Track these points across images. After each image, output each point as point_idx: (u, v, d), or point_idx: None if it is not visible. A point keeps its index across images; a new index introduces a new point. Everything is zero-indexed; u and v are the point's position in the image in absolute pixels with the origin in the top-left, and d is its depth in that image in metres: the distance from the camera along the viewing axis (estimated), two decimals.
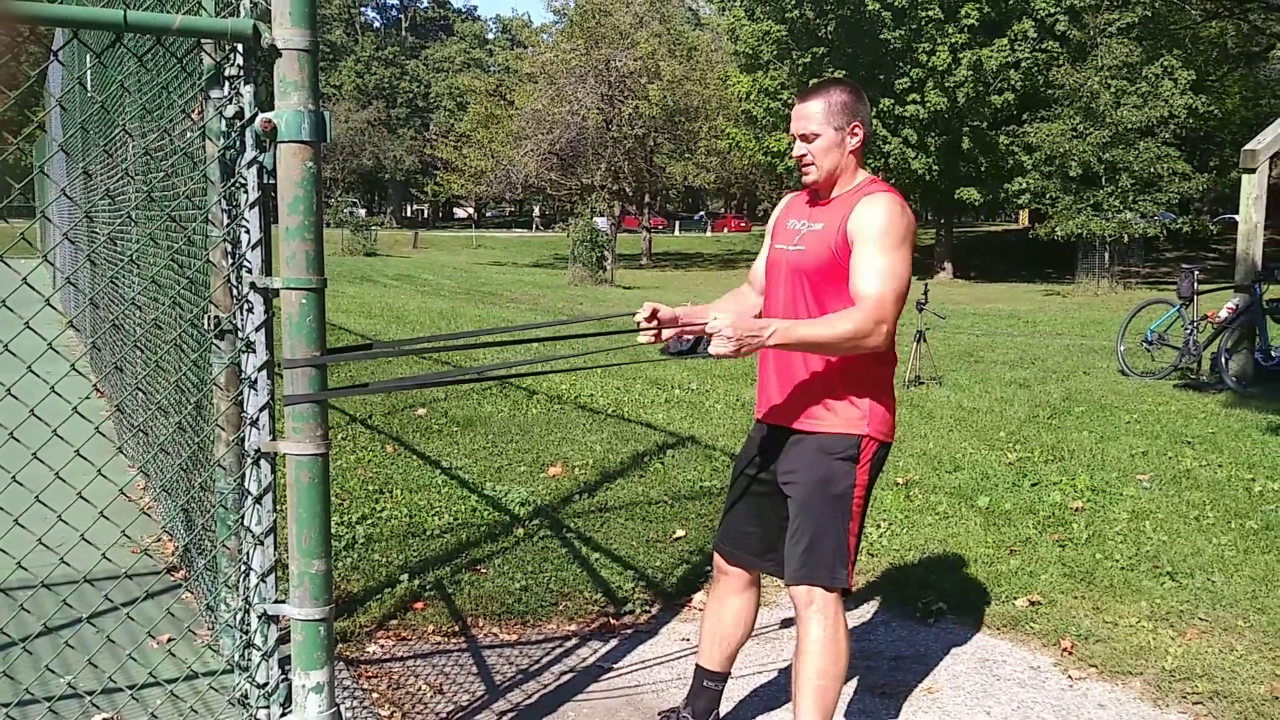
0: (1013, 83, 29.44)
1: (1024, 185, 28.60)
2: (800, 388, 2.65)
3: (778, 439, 2.73)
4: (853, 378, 2.61)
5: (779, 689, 3.29)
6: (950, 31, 29.29)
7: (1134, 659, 3.47)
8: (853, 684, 3.30)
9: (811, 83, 2.82)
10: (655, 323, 2.63)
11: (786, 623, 3.83)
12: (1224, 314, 9.26)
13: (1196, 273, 9.72)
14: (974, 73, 28.98)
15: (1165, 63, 26.44)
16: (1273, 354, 9.12)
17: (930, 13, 29.24)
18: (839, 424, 2.60)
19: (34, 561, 2.66)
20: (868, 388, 2.62)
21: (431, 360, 8.97)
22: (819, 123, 2.59)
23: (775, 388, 2.72)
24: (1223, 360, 9.07)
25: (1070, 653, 3.54)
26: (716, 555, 2.92)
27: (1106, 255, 25.89)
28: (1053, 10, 28.66)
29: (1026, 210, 41.00)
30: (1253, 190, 9.19)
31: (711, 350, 2.39)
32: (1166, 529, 4.81)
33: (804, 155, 2.63)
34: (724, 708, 3.02)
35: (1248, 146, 9.29)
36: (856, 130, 2.61)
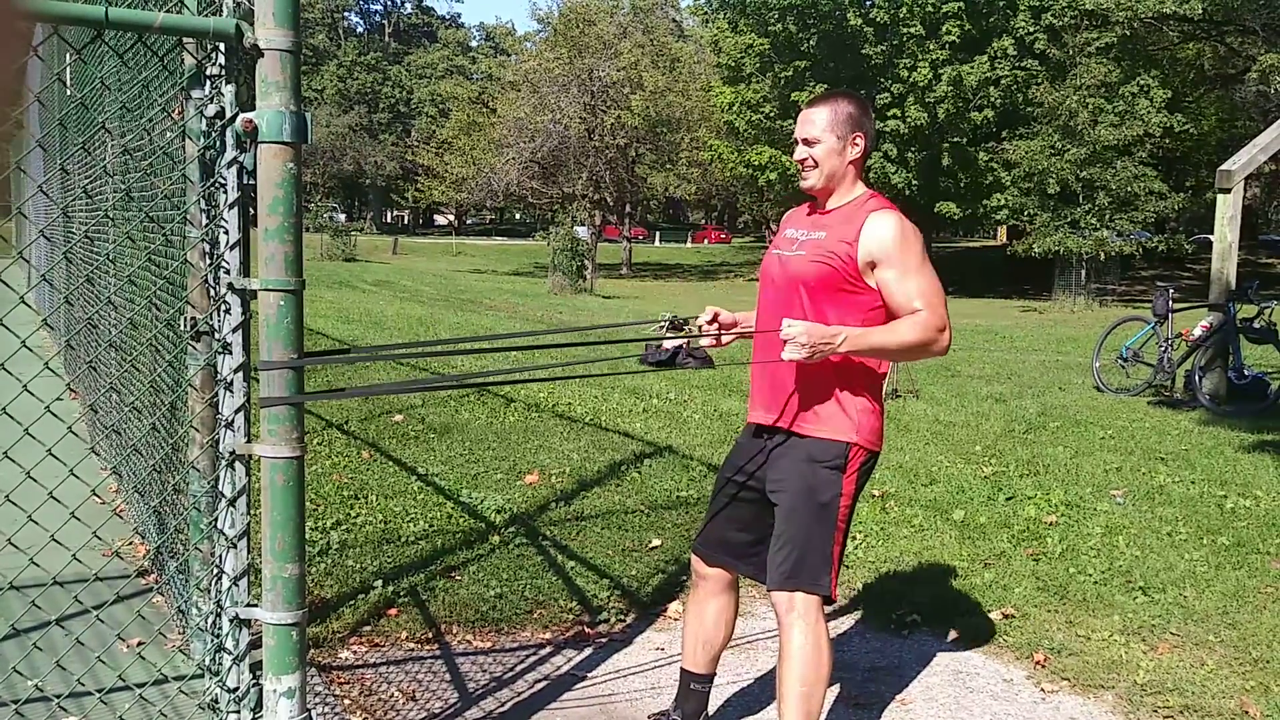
0: (992, 100, 29.70)
1: (1002, 202, 28.83)
2: (792, 394, 2.68)
3: (766, 445, 2.74)
4: (844, 385, 2.63)
5: (758, 697, 3.29)
6: (931, 48, 29.53)
7: (1106, 673, 3.48)
8: (827, 695, 3.30)
9: (818, 91, 2.91)
10: (717, 326, 2.78)
11: (765, 632, 3.83)
12: (1198, 332, 9.33)
13: (1171, 291, 9.80)
14: (954, 89, 29.22)
15: (1142, 81, 26.73)
16: (1246, 372, 9.19)
17: (912, 29, 29.49)
18: (828, 430, 2.63)
19: (3, 563, 2.63)
20: (858, 396, 2.64)
21: (409, 366, 8.93)
22: (822, 129, 2.65)
23: (767, 393, 2.74)
24: (1196, 378, 9.14)
25: (1043, 666, 3.55)
26: (695, 559, 2.93)
27: (1083, 272, 26.11)
28: (1032, 29, 28.95)
29: (1004, 227, 41.33)
30: (1227, 210, 9.28)
31: (785, 355, 2.48)
32: (1139, 544, 4.84)
33: (805, 158, 2.69)
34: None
35: (1223, 167, 9.37)
36: (857, 141, 2.66)
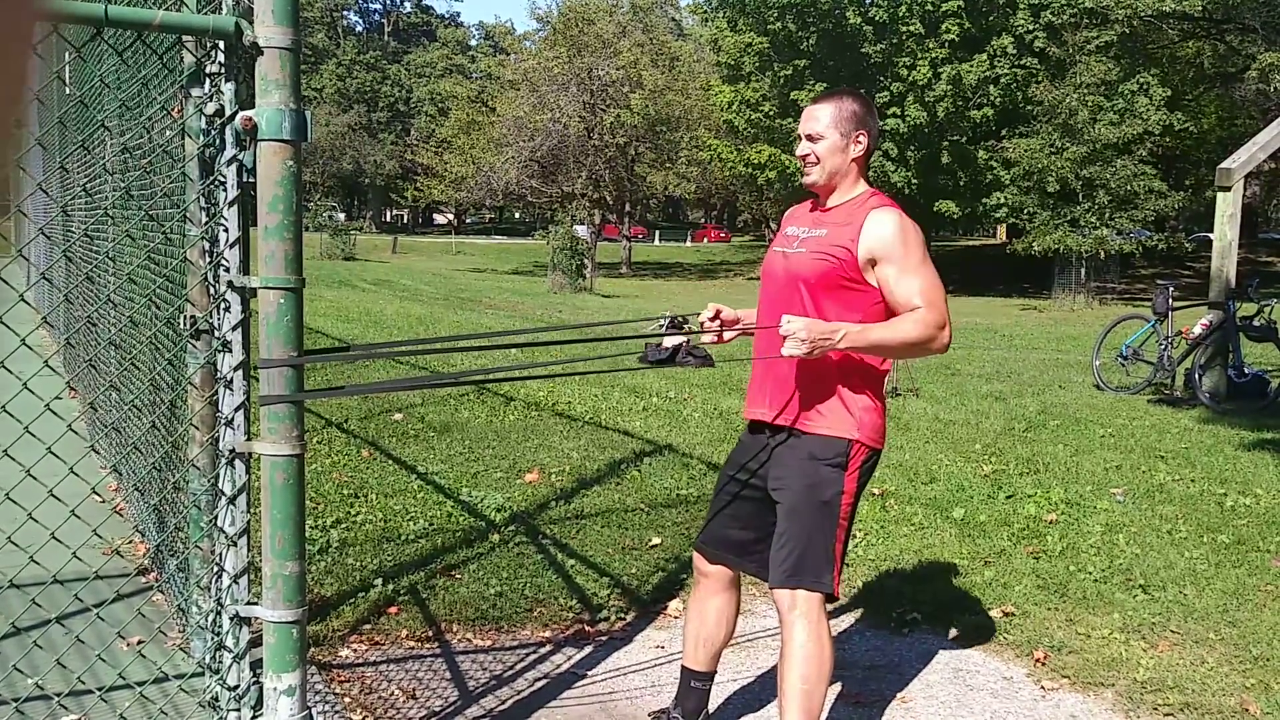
0: (992, 98, 29.68)
1: (1002, 200, 28.83)
2: (793, 391, 2.67)
3: (768, 443, 2.74)
4: (845, 383, 2.63)
5: (759, 695, 3.29)
6: (930, 46, 29.51)
7: (1106, 670, 3.48)
8: (828, 693, 3.30)
9: (817, 89, 2.92)
10: (719, 323, 2.76)
11: (766, 630, 3.83)
12: (1198, 330, 9.33)
13: (1171, 289, 9.80)
14: (953, 87, 29.20)
15: (1141, 79, 26.72)
16: (1246, 370, 9.19)
17: (911, 28, 29.47)
18: (830, 427, 2.62)
19: (3, 561, 2.63)
20: (860, 393, 2.64)
21: (409, 365, 8.93)
22: (826, 125, 2.65)
23: (767, 390, 2.74)
24: (1196, 376, 9.14)
25: (1043, 664, 3.55)
26: (697, 556, 2.93)
27: (1083, 271, 26.11)
28: (1031, 27, 28.92)
29: (1004, 225, 41.31)
30: (1227, 208, 9.28)
31: (785, 351, 2.47)
32: (1139, 542, 4.84)
33: (807, 154, 2.68)
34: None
35: (1223, 165, 9.37)
36: (860, 139, 2.66)
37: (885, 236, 2.58)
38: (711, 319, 2.77)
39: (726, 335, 2.82)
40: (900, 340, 2.55)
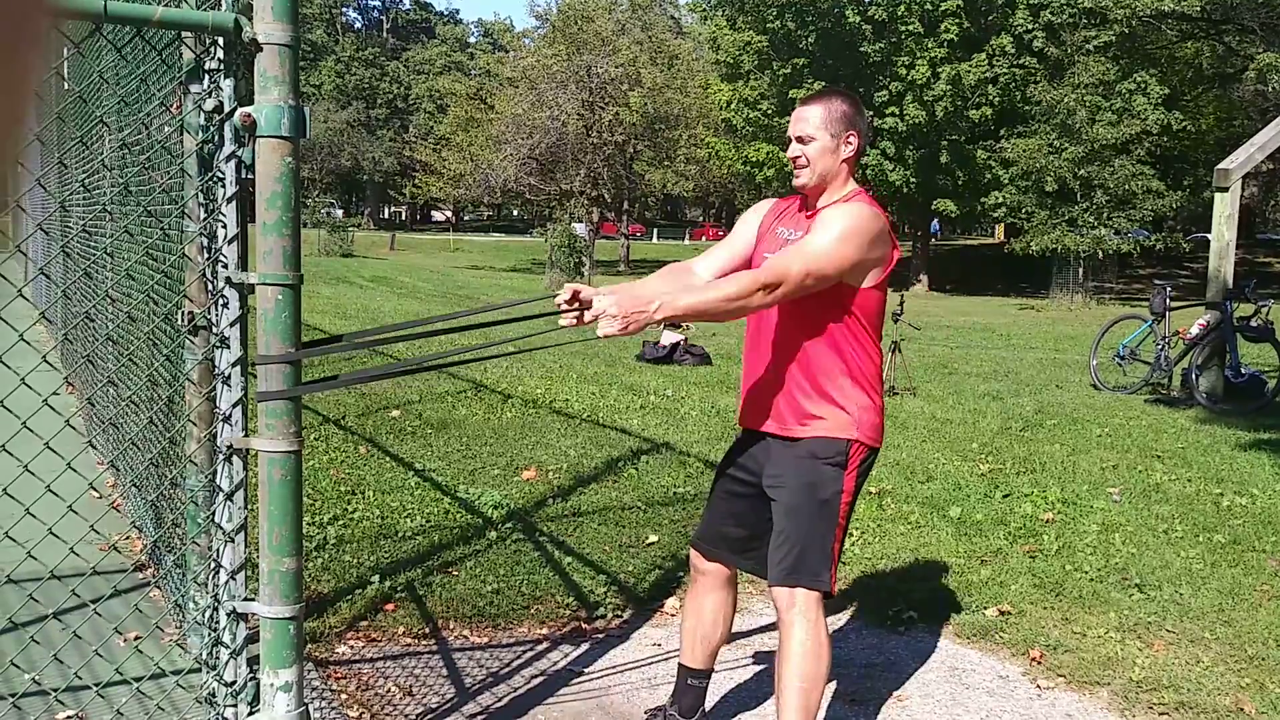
0: (990, 98, 29.68)
1: (1000, 199, 28.85)
2: (787, 392, 2.66)
3: (766, 441, 2.73)
4: (841, 382, 2.62)
5: (755, 693, 3.30)
6: (929, 46, 29.51)
7: (1102, 669, 3.49)
8: (825, 691, 3.30)
9: (816, 88, 2.88)
10: (577, 305, 2.47)
11: (763, 628, 3.83)
12: (1195, 330, 9.35)
13: (1169, 289, 9.82)
14: (952, 87, 29.20)
15: (1139, 79, 26.74)
16: (1243, 371, 9.21)
17: (910, 27, 29.47)
18: (828, 428, 2.61)
19: (0, 557, 2.63)
20: (856, 392, 2.63)
21: (404, 359, 8.94)
22: (815, 127, 2.63)
23: (761, 392, 2.73)
24: (1193, 376, 9.15)
25: (1039, 662, 3.56)
26: (694, 553, 2.93)
27: (1080, 270, 26.12)
28: (1031, 27, 28.94)
29: (1002, 224, 41.33)
30: (1225, 209, 9.29)
31: (599, 332, 2.32)
32: (1135, 541, 4.85)
33: (798, 157, 2.66)
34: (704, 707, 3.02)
35: (1221, 165, 9.38)
36: (851, 139, 2.64)
37: (830, 214, 2.56)
38: (569, 301, 2.45)
39: (587, 317, 2.45)
40: (714, 298, 2.42)
